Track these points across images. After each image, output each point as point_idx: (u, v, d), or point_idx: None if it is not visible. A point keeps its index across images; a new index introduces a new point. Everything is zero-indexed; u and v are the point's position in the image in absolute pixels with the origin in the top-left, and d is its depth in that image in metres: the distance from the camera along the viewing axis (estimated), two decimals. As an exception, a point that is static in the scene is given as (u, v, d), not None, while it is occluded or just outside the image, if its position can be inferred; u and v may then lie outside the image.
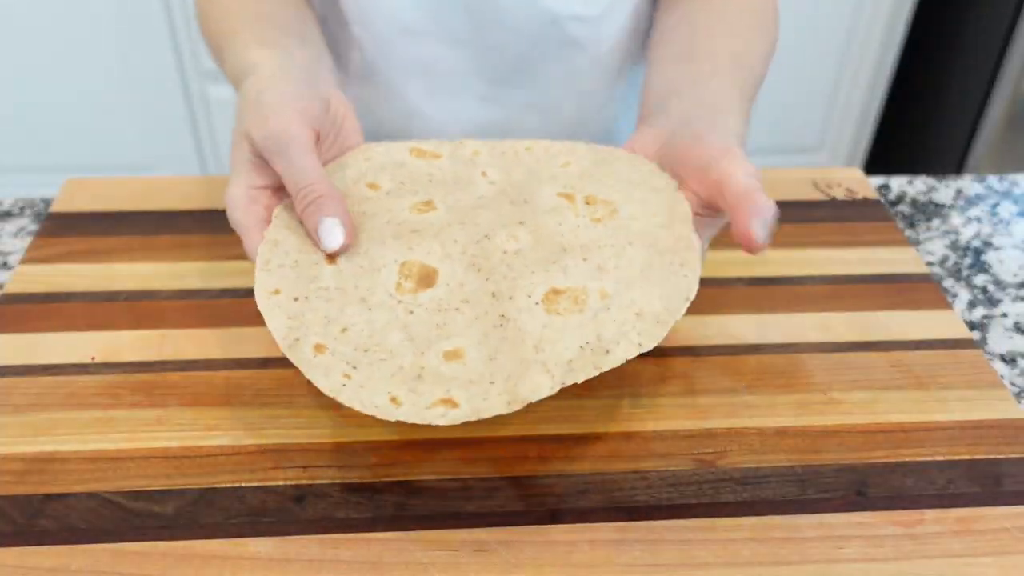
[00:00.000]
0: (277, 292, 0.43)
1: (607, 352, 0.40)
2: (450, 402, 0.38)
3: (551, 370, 0.39)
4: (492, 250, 0.45)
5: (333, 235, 0.44)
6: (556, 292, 0.43)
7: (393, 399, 0.39)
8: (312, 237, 0.45)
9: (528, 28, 0.67)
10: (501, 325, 0.42)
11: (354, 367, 0.40)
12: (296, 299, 0.42)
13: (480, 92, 0.71)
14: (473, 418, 0.38)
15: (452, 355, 0.41)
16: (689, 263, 0.44)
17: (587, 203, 0.48)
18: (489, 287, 0.43)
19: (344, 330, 0.41)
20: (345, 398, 0.39)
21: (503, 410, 0.38)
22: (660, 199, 0.48)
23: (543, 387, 0.38)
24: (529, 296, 0.43)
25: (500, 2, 0.65)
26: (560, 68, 0.70)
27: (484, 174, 0.51)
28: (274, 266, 0.44)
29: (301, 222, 0.46)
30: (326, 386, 0.39)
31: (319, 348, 0.40)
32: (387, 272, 0.44)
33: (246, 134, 0.47)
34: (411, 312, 0.42)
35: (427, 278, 0.44)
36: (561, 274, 0.44)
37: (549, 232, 0.46)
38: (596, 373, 0.39)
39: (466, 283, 0.44)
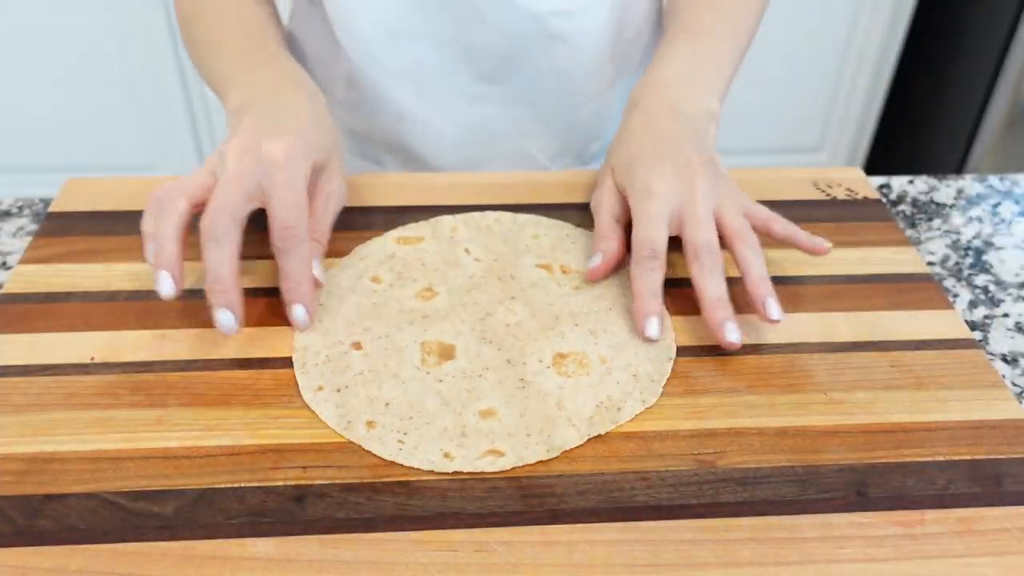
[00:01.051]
0: (321, 388, 0.47)
1: (619, 409, 0.46)
2: (496, 452, 0.44)
3: (576, 425, 0.46)
4: (496, 325, 0.51)
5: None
6: (561, 356, 0.49)
7: (446, 454, 0.44)
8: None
9: (509, 25, 0.67)
10: (523, 387, 0.48)
11: (405, 433, 0.45)
12: (339, 390, 0.47)
13: (468, 91, 0.71)
14: (519, 464, 0.44)
15: (487, 414, 0.46)
16: (665, 329, 0.51)
17: (563, 271, 0.55)
18: (503, 355, 0.49)
19: (387, 405, 0.46)
20: (403, 459, 0.44)
21: (543, 456, 0.44)
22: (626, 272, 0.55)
23: (572, 439, 0.45)
24: (540, 361, 0.49)
25: (478, 2, 0.65)
26: (546, 64, 0.70)
27: (467, 251, 0.57)
28: (310, 367, 0.49)
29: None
30: (384, 453, 0.44)
31: (370, 424, 0.45)
32: (410, 351, 0.49)
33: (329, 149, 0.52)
34: (440, 381, 0.48)
35: (446, 352, 0.50)
36: (560, 339, 0.50)
37: (540, 303, 0.53)
38: (613, 427, 0.46)
39: (482, 354, 0.49)
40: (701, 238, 0.51)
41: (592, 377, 0.48)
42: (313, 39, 0.73)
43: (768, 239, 0.54)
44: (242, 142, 0.50)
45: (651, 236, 0.51)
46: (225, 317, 0.47)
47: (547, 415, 0.46)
